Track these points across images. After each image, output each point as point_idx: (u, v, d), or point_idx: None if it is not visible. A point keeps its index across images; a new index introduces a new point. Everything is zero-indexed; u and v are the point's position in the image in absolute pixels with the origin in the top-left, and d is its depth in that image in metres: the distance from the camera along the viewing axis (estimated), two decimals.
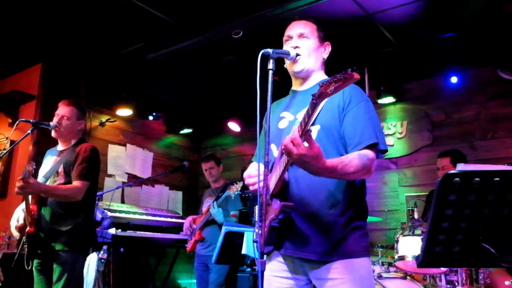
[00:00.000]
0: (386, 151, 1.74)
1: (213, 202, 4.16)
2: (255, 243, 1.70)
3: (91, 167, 2.97)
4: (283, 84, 2.08)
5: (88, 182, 2.93)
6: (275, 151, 1.84)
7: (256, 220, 1.84)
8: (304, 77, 1.91)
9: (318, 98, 1.34)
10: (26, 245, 2.83)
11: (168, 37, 4.22)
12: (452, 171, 1.21)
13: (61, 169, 2.98)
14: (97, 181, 3.11)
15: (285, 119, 1.88)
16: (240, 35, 3.93)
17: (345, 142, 1.73)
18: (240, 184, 4.09)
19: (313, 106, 1.37)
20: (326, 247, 1.67)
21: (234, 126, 5.99)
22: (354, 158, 1.61)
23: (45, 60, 4.81)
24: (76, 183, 2.89)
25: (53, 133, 3.10)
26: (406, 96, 5.06)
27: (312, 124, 1.72)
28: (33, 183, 2.75)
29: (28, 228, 2.85)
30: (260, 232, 1.65)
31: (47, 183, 2.99)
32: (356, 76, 1.25)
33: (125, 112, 5.49)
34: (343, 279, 1.64)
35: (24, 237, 2.85)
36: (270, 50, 1.70)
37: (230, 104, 5.76)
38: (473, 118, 4.66)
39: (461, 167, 1.24)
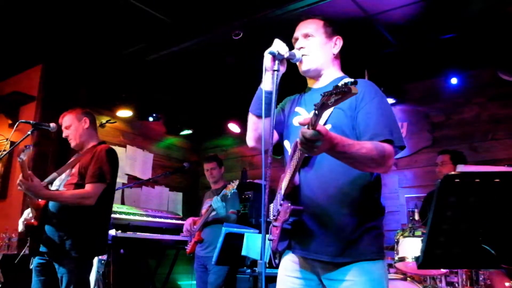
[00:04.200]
0: (404, 146, 1.68)
1: (215, 197, 4.15)
2: (270, 241, 1.72)
3: (106, 168, 2.84)
4: (288, 84, 2.07)
5: (102, 184, 2.81)
6: (288, 147, 1.84)
7: (272, 219, 1.84)
8: (314, 76, 1.89)
9: (320, 109, 1.30)
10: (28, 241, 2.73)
11: (168, 38, 4.22)
12: (452, 173, 1.21)
13: (75, 169, 2.89)
14: (114, 182, 2.99)
15: (300, 117, 1.85)
16: (240, 36, 3.93)
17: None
18: (236, 183, 4.10)
19: (315, 117, 1.33)
20: (338, 248, 1.64)
21: (234, 127, 5.99)
22: (367, 142, 1.57)
23: (46, 61, 4.81)
24: (87, 186, 2.78)
25: (71, 145, 3.07)
26: (406, 97, 5.05)
27: (324, 124, 1.70)
28: (34, 184, 2.64)
29: (32, 221, 2.77)
30: (269, 232, 1.65)
31: (60, 180, 2.91)
32: (354, 90, 1.23)
33: (125, 113, 5.49)
34: (354, 281, 1.61)
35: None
36: (276, 51, 1.69)
37: (230, 105, 5.76)
38: (473, 119, 4.66)
39: (461, 168, 1.24)
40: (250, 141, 1.93)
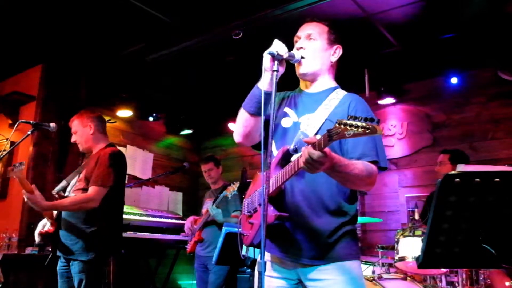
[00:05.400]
0: (386, 168, 1.74)
1: (211, 203, 4.16)
2: (242, 235, 1.79)
3: (107, 172, 2.87)
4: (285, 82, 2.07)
5: (104, 188, 2.84)
6: (274, 149, 1.84)
7: (245, 214, 1.87)
8: (310, 80, 1.90)
9: (336, 136, 1.30)
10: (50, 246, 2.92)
11: (168, 38, 4.22)
12: (452, 172, 1.21)
13: (82, 175, 2.97)
14: (120, 185, 3.03)
15: (289, 118, 1.88)
16: (240, 36, 3.93)
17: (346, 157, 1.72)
18: (236, 185, 4.09)
19: (327, 142, 1.34)
20: (318, 252, 1.69)
21: (234, 127, 5.98)
22: (359, 163, 1.62)
23: (46, 61, 4.81)
24: (89, 190, 2.84)
25: (80, 149, 3.20)
26: (407, 97, 5.06)
27: (315, 134, 1.73)
28: (35, 197, 2.70)
29: (49, 228, 2.89)
30: (261, 233, 1.65)
31: (71, 185, 3.02)
32: (380, 132, 1.23)
33: (125, 113, 5.49)
34: (335, 280, 1.66)
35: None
36: (275, 52, 1.69)
37: (230, 105, 5.74)
38: (474, 118, 4.66)
39: (461, 168, 1.24)
40: (238, 136, 1.94)
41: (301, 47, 1.85)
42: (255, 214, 1.78)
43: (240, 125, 1.89)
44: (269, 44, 1.75)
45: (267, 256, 1.81)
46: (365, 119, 1.24)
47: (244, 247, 1.79)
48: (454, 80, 4.66)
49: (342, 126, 1.26)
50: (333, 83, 1.93)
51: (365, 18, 3.79)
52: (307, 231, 1.70)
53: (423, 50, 4.38)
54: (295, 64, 1.87)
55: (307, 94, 1.91)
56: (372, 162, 1.67)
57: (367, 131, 1.23)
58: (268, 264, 1.81)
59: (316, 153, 1.38)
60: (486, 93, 4.61)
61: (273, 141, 1.85)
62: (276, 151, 1.80)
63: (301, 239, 1.70)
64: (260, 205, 1.73)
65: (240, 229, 1.86)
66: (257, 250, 1.86)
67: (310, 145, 1.41)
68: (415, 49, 4.36)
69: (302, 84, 1.97)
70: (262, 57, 1.74)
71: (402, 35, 4.10)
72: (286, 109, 1.90)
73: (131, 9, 3.70)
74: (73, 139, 3.16)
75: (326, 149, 1.40)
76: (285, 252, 1.74)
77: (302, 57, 1.83)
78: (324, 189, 1.72)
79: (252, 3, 3.63)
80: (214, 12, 3.79)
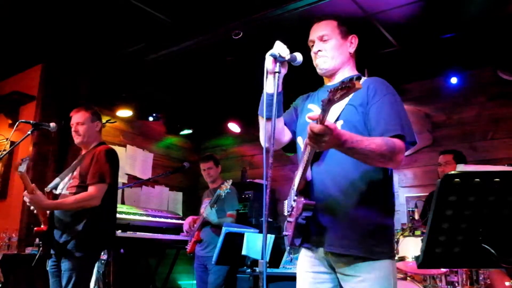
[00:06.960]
0: (415, 142, 1.71)
1: (208, 206, 4.16)
2: (285, 236, 1.80)
3: (105, 168, 2.90)
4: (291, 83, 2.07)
5: (105, 184, 2.87)
6: (301, 144, 1.87)
7: (286, 214, 1.88)
8: (330, 75, 1.92)
9: (327, 104, 1.34)
10: (41, 245, 2.87)
11: (168, 38, 4.22)
12: (452, 172, 1.21)
13: (77, 172, 2.97)
14: (116, 182, 3.05)
15: (314, 113, 1.90)
16: (240, 36, 3.93)
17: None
18: (229, 182, 4.09)
19: (323, 112, 1.37)
20: (351, 240, 1.67)
21: (234, 127, 5.99)
22: (377, 138, 1.60)
23: (45, 61, 4.81)
24: (90, 188, 2.85)
25: (75, 141, 3.12)
26: (406, 97, 5.05)
27: (336, 120, 1.75)
28: (38, 197, 2.74)
29: (41, 227, 2.88)
30: (284, 228, 1.75)
31: (64, 183, 3.00)
32: (358, 85, 1.24)
33: (125, 113, 5.50)
34: (364, 278, 1.66)
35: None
36: (277, 54, 1.70)
37: (230, 105, 5.76)
38: (473, 118, 4.66)
39: (461, 167, 1.24)
40: (263, 142, 1.96)
41: (319, 50, 1.87)
42: (292, 212, 1.78)
43: (262, 132, 1.92)
44: (269, 44, 1.75)
45: (307, 252, 1.82)
46: (350, 79, 1.26)
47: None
48: (454, 80, 4.66)
49: (331, 93, 1.29)
50: (354, 72, 1.94)
51: (365, 18, 3.79)
52: (340, 219, 1.69)
53: (423, 50, 4.38)
54: (315, 65, 1.90)
55: (328, 87, 1.93)
56: (397, 136, 1.63)
57: (348, 87, 1.25)
58: (308, 260, 1.82)
59: (317, 127, 1.40)
60: (486, 93, 4.61)
61: (300, 138, 1.92)
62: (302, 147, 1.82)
63: (334, 228, 1.70)
64: (294, 200, 1.75)
65: (284, 231, 1.85)
66: (300, 252, 1.87)
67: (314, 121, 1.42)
68: (415, 49, 4.36)
69: (325, 80, 1.99)
70: (262, 57, 1.75)
71: (402, 35, 4.11)
72: (310, 106, 1.93)
73: (131, 9, 3.70)
74: (74, 128, 3.09)
75: (331, 124, 1.41)
76: (321, 243, 1.73)
77: (322, 56, 1.86)
78: (355, 174, 1.71)
79: (252, 3, 3.64)
80: (214, 12, 3.79)
